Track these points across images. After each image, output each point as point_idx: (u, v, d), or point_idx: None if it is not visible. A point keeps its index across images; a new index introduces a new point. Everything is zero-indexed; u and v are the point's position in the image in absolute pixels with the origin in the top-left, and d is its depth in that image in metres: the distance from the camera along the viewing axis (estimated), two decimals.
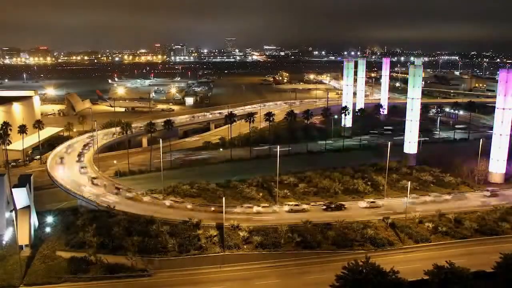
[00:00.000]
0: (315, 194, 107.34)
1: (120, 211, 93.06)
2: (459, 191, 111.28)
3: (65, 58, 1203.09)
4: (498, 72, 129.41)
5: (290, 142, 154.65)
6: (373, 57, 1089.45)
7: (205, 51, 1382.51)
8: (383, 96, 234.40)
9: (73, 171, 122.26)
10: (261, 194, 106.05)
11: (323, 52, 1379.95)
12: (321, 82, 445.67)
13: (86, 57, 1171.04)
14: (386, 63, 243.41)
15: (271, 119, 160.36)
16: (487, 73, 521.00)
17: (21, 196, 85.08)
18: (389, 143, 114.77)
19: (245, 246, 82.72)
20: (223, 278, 75.95)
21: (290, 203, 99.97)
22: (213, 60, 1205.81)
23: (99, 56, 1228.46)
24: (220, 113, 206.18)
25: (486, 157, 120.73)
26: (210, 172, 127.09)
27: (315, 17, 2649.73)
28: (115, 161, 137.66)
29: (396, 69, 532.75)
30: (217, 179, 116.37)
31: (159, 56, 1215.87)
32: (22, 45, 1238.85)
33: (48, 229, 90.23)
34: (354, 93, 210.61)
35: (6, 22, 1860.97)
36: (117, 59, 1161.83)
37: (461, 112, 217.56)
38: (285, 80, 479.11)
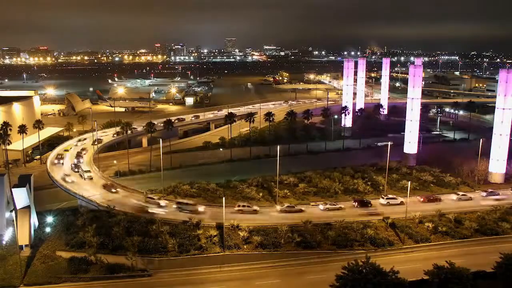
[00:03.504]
0: (315, 194, 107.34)
1: (120, 211, 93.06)
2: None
3: (65, 58, 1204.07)
4: (498, 72, 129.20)
5: (290, 142, 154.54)
6: (373, 57, 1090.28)
7: (205, 51, 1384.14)
8: (383, 96, 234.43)
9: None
10: (261, 194, 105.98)
11: (323, 52, 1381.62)
12: (321, 82, 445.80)
13: (86, 57, 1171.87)
14: (386, 63, 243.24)
15: (271, 119, 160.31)
16: (487, 73, 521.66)
17: (21, 196, 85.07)
18: (390, 143, 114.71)
19: (245, 246, 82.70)
20: (223, 278, 75.97)
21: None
22: (213, 60, 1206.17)
23: (99, 56, 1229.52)
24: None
25: (486, 157, 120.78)
26: (210, 172, 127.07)
27: (315, 17, 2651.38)
28: (115, 161, 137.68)
29: (396, 69, 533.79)
30: (217, 179, 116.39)
31: (159, 56, 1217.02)
32: (22, 45, 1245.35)
33: (48, 229, 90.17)
34: (354, 93, 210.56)
35: (6, 22, 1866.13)
36: (117, 59, 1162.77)
37: (461, 112, 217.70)
38: (285, 80, 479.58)
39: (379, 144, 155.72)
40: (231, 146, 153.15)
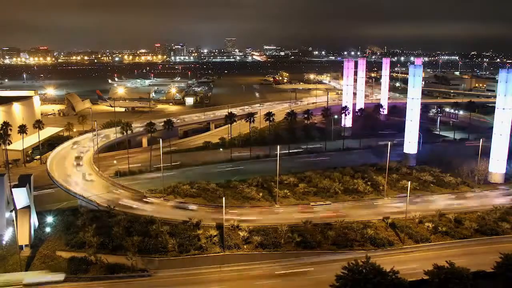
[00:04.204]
0: (315, 194, 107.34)
1: (120, 211, 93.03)
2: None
3: (65, 58, 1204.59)
4: (498, 72, 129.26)
5: (290, 142, 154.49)
6: (373, 57, 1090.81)
7: (205, 51, 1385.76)
8: (383, 96, 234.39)
9: None
10: (261, 194, 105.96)
11: (323, 52, 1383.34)
12: (321, 82, 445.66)
13: (86, 57, 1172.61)
14: (386, 63, 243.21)
15: (271, 119, 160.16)
16: (487, 73, 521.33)
17: (21, 196, 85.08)
18: (389, 143, 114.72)
19: (245, 246, 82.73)
20: (223, 278, 75.95)
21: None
22: (213, 60, 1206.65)
23: (99, 56, 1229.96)
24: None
25: (486, 157, 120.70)
26: (210, 172, 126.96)
27: (315, 17, 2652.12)
28: (115, 161, 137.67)
29: (396, 69, 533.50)
30: (217, 179, 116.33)
31: (159, 56, 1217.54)
32: (22, 45, 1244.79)
33: (48, 229, 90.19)
34: (354, 93, 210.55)
35: (6, 22, 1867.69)
36: (117, 59, 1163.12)
37: (461, 112, 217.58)
38: (285, 80, 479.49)
39: None
40: (231, 146, 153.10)
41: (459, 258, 73.49)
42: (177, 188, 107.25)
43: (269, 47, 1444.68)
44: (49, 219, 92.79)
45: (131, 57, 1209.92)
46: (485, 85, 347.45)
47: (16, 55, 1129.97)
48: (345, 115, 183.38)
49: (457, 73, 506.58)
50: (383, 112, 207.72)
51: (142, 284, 74.97)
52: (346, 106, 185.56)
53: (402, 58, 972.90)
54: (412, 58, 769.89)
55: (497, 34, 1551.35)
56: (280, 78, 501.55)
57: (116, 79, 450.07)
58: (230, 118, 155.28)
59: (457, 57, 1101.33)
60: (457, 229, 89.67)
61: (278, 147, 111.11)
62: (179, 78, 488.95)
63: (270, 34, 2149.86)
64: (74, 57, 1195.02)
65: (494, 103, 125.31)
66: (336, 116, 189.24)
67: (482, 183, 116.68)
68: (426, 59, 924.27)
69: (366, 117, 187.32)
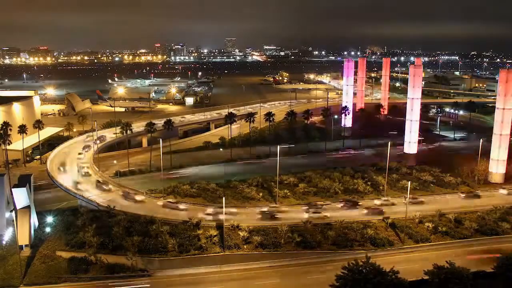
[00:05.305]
0: (315, 194, 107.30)
1: (120, 211, 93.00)
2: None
3: (65, 58, 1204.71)
4: (498, 72, 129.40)
5: (290, 142, 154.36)
6: (373, 57, 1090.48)
7: (205, 51, 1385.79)
8: (383, 96, 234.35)
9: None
10: (261, 194, 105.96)
11: (323, 52, 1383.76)
12: (321, 82, 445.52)
13: (86, 57, 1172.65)
14: (386, 63, 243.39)
15: (271, 119, 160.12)
16: (487, 73, 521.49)
17: (21, 196, 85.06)
18: (390, 143, 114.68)
19: (245, 246, 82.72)
20: (223, 278, 75.94)
21: None
22: (213, 60, 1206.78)
23: (99, 56, 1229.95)
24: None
25: (486, 157, 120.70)
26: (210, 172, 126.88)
27: (316, 17, 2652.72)
28: (115, 161, 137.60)
29: (396, 69, 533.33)
30: (217, 179, 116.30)
31: (159, 56, 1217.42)
32: (22, 45, 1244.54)
33: (48, 229, 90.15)
34: (354, 93, 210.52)
35: (6, 22, 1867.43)
36: (117, 59, 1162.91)
37: (461, 112, 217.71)
38: (285, 80, 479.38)
39: None
40: (231, 146, 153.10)
41: (459, 258, 73.48)
42: (177, 188, 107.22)
43: (269, 47, 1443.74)
44: (49, 219, 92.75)
45: (131, 57, 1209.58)
46: (485, 85, 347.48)
47: (16, 55, 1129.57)
48: (345, 115, 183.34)
49: (457, 73, 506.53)
50: (383, 112, 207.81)
51: (142, 284, 74.84)
52: (346, 106, 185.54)
53: (402, 58, 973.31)
54: (412, 58, 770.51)
55: (497, 34, 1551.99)
56: (280, 78, 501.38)
57: (116, 79, 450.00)
58: (230, 118, 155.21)
59: (457, 57, 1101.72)
60: (457, 229, 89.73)
61: (278, 147, 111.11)
62: (179, 78, 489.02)
63: (270, 34, 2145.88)
64: (74, 57, 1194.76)
65: (494, 103, 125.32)
66: (336, 116, 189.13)
67: (482, 183, 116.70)
68: (426, 59, 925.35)
69: (366, 117, 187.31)
